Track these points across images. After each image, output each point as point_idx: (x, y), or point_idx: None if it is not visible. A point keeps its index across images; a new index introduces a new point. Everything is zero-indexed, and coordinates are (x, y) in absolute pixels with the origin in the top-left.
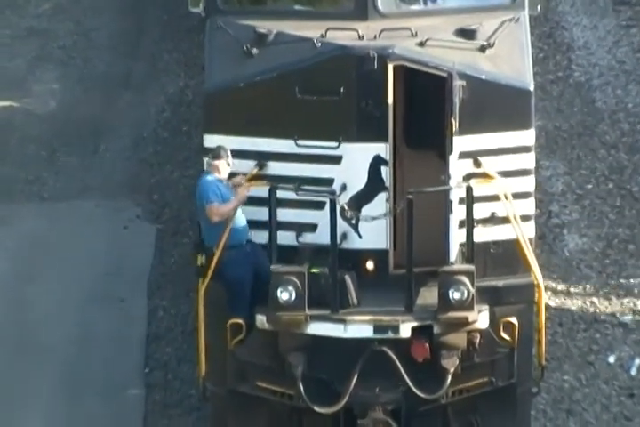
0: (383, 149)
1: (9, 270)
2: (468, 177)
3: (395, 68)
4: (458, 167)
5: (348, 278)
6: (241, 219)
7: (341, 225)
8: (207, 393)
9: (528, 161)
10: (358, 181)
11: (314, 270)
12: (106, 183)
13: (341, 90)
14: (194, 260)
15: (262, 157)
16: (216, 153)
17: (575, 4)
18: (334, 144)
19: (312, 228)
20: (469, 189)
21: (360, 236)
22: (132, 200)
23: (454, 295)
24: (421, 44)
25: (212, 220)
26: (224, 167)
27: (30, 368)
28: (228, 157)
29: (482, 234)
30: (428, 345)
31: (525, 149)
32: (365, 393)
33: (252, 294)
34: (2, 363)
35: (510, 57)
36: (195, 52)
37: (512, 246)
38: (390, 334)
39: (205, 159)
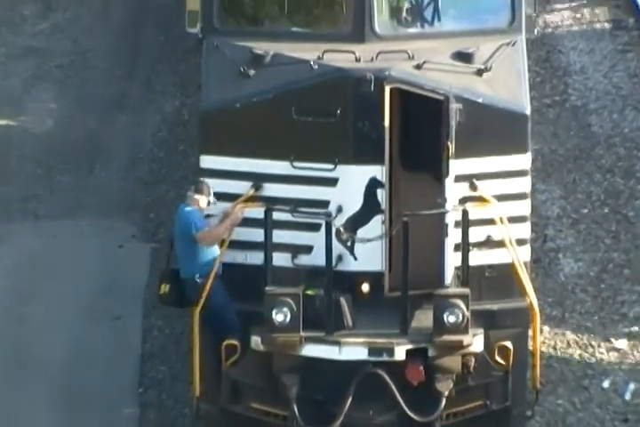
0: (379, 172)
1: (6, 288)
2: (463, 200)
3: (391, 91)
4: (454, 190)
5: (343, 300)
6: (216, 248)
7: (337, 247)
8: (201, 413)
9: (524, 185)
10: (354, 203)
11: (309, 292)
12: (101, 202)
13: (338, 112)
14: (158, 288)
15: (258, 179)
16: (199, 187)
17: (572, 28)
18: (330, 166)
19: (308, 249)
20: (465, 213)
21: (355, 258)
22: (128, 219)
23: (449, 318)
24: (418, 67)
25: (204, 243)
26: (203, 203)
27: (27, 386)
28: (209, 195)
29: (477, 257)
30: (422, 368)
31: (521, 173)
32: (360, 415)
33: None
34: None
35: (507, 81)
36: (191, 73)
37: (507, 270)
38: (385, 357)
39: (188, 192)
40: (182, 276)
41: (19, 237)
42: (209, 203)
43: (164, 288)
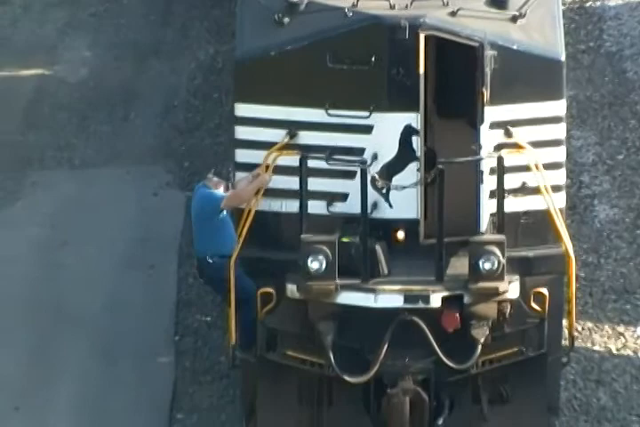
0: (414, 119)
1: (41, 235)
2: (498, 147)
3: (426, 38)
4: (489, 137)
5: (378, 248)
6: (231, 230)
7: (372, 194)
8: (236, 361)
9: (559, 131)
10: (389, 151)
11: (344, 240)
12: (136, 150)
13: (372, 59)
14: None
15: (293, 127)
16: (218, 171)
17: None
18: (365, 114)
19: (343, 197)
20: (500, 160)
21: (391, 205)
22: (163, 167)
23: (485, 265)
24: (453, 14)
25: (228, 205)
26: (221, 188)
27: (62, 334)
28: (229, 182)
29: (512, 204)
30: (458, 315)
31: (556, 120)
32: (395, 363)
33: None
34: (35, 328)
35: (542, 27)
36: (226, 20)
37: (543, 217)
38: (421, 304)
39: (208, 174)
40: (196, 255)
41: (53, 185)
42: (227, 187)
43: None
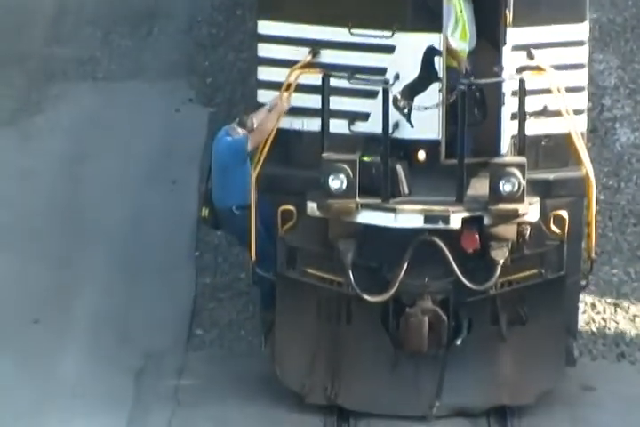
0: (437, 40)
1: (63, 148)
2: (521, 69)
3: None
4: (511, 59)
5: (399, 167)
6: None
7: (394, 114)
8: (256, 278)
9: (581, 54)
10: (411, 71)
11: (365, 159)
12: (159, 65)
13: None
14: (199, 210)
15: (316, 45)
16: (243, 121)
17: None
18: (388, 33)
19: (364, 116)
20: (522, 82)
21: (412, 125)
22: (186, 82)
23: (505, 187)
24: None
25: (254, 142)
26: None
27: (84, 248)
28: (253, 126)
29: (534, 127)
30: (477, 236)
31: (579, 43)
32: (415, 282)
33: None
34: (56, 242)
35: None
36: None
37: (564, 140)
38: (441, 225)
39: (232, 124)
40: (217, 206)
41: (76, 98)
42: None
43: (205, 211)
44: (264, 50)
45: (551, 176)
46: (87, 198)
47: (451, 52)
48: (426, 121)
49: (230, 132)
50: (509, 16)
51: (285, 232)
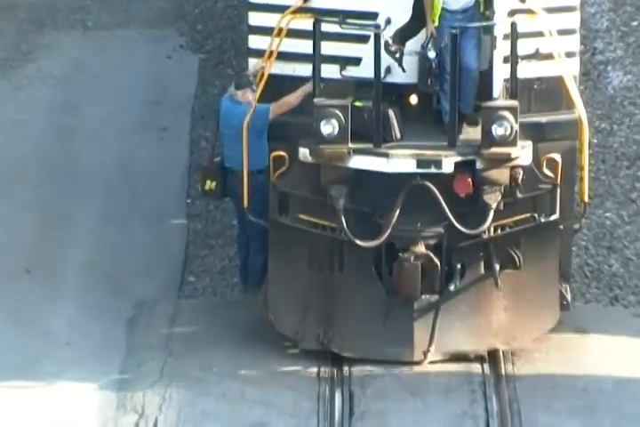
0: None
1: (54, 97)
2: (512, 13)
3: None
4: (502, 2)
5: (391, 112)
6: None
7: (385, 59)
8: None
9: None
10: (403, 15)
11: (357, 104)
12: (149, 13)
13: None
14: (202, 183)
15: None
16: (241, 83)
17: None
18: None
19: (356, 61)
20: (514, 25)
21: (404, 70)
22: (176, 30)
23: (497, 131)
24: None
25: (280, 112)
26: (250, 95)
27: (74, 196)
28: (252, 85)
29: (526, 70)
30: (470, 180)
31: None
32: (407, 227)
33: None
34: (47, 191)
35: None
36: None
37: (556, 83)
38: (433, 169)
39: (230, 88)
40: (233, 167)
41: (66, 47)
42: (253, 91)
43: (210, 184)
44: None
45: (543, 119)
46: (78, 147)
47: None
48: (418, 65)
49: (234, 98)
50: None
51: (277, 178)
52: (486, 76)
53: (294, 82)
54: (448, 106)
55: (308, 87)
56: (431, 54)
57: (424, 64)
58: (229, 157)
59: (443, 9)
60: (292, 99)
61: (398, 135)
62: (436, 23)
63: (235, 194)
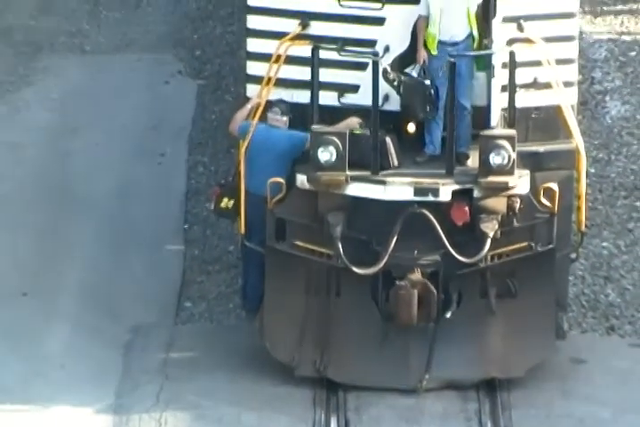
0: (426, 11)
1: (52, 121)
2: (510, 42)
3: None
4: (501, 31)
5: (388, 140)
6: None
7: (383, 86)
8: (245, 250)
9: (571, 26)
10: (401, 43)
11: (355, 131)
12: (148, 37)
13: None
14: (217, 201)
15: (305, 17)
16: (281, 108)
17: None
18: (378, 5)
19: (354, 88)
20: (512, 54)
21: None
22: (174, 55)
23: (495, 160)
24: None
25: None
26: (286, 123)
27: (73, 220)
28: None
29: (524, 99)
30: (467, 209)
31: (569, 15)
32: (404, 255)
33: None
34: (45, 214)
35: None
36: None
37: (554, 112)
38: (430, 197)
39: (269, 114)
40: (253, 191)
41: (64, 71)
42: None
43: (227, 203)
44: (254, 21)
45: (541, 149)
46: (75, 171)
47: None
48: None
49: (273, 122)
50: None
51: (274, 205)
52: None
53: (292, 109)
54: (433, 135)
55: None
56: (427, 82)
57: (421, 91)
58: (252, 180)
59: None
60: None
61: (396, 163)
62: (434, 52)
63: (249, 218)
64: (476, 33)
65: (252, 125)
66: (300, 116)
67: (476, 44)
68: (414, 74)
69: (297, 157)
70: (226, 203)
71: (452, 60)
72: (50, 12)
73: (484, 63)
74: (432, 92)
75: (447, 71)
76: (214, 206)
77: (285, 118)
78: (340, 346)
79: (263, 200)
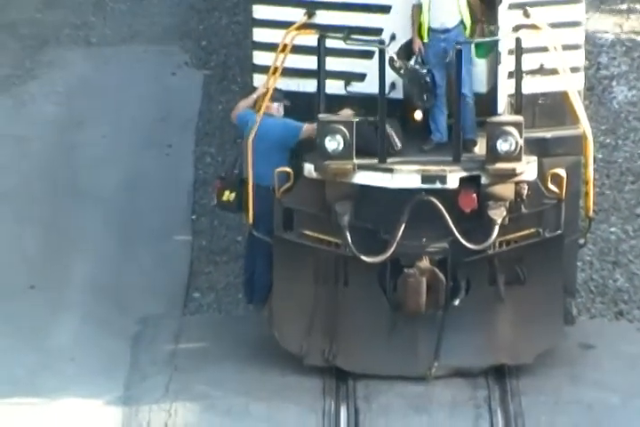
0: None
1: (58, 114)
2: (517, 28)
3: None
4: (507, 18)
5: (396, 128)
6: None
7: (390, 75)
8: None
9: (578, 12)
10: (407, 31)
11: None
12: (154, 29)
13: None
14: (219, 194)
15: (311, 6)
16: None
17: None
18: None
19: (361, 77)
20: (518, 40)
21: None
22: (181, 46)
23: (502, 146)
24: None
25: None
26: (281, 110)
27: (80, 213)
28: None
29: (530, 85)
30: (475, 196)
31: (575, 0)
32: (412, 243)
33: None
34: (52, 207)
35: None
36: None
37: (561, 98)
38: (438, 185)
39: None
40: (260, 183)
41: (70, 63)
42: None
43: (229, 196)
44: (259, 11)
45: (548, 135)
46: (82, 164)
47: None
48: None
49: (271, 111)
50: None
51: (282, 194)
52: (491, 92)
53: (299, 98)
54: (438, 123)
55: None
56: (423, 70)
57: (417, 80)
58: (258, 172)
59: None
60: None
61: (399, 145)
62: (425, 39)
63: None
64: (468, 20)
65: (256, 115)
66: (306, 104)
67: (468, 32)
68: (412, 62)
69: (292, 147)
70: (227, 196)
71: (459, 47)
72: (55, 4)
73: (485, 51)
74: (428, 79)
75: (454, 58)
76: (217, 199)
77: (278, 106)
78: (349, 335)
79: (264, 190)
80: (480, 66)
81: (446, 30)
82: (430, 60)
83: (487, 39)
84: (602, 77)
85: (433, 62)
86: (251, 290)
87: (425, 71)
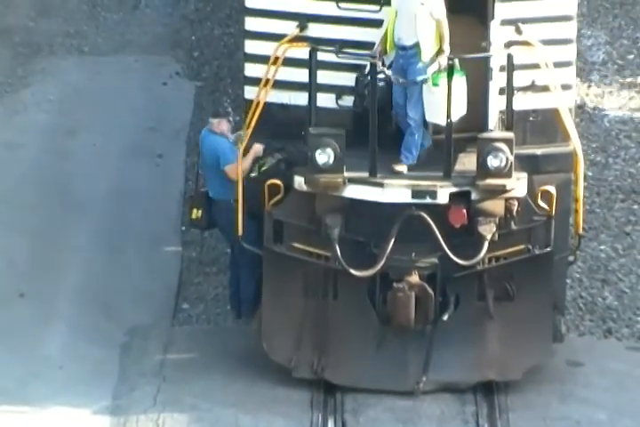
0: None
1: (50, 122)
2: (508, 44)
3: None
4: (499, 34)
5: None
6: None
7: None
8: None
9: (569, 30)
10: None
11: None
12: (146, 39)
13: None
14: (189, 212)
15: (303, 19)
16: (217, 112)
17: None
18: (376, 8)
19: (352, 91)
20: (510, 57)
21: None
22: (172, 56)
23: (493, 162)
24: None
25: (232, 177)
26: (225, 126)
27: (70, 222)
28: (229, 117)
29: (522, 102)
30: (465, 211)
31: (567, 17)
32: (402, 257)
33: None
34: (42, 215)
35: None
36: None
37: (552, 115)
38: (428, 200)
39: (209, 118)
40: (214, 197)
41: (63, 72)
42: (229, 121)
43: (197, 213)
44: (252, 23)
45: (539, 151)
46: (73, 172)
47: None
48: None
49: (210, 127)
50: None
51: (272, 207)
52: (481, 107)
53: (290, 111)
54: (405, 144)
55: (257, 148)
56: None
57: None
58: (209, 186)
59: None
60: (246, 166)
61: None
62: (390, 51)
63: (220, 223)
64: (426, 46)
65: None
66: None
67: (423, 57)
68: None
69: (216, 164)
70: (195, 213)
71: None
72: (48, 13)
73: (439, 79)
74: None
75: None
76: (189, 217)
77: (216, 120)
78: (338, 348)
79: (224, 203)
80: (436, 94)
81: (403, 47)
82: (395, 73)
83: (479, 55)
84: (593, 95)
85: (394, 78)
86: (238, 304)
87: (381, 84)
